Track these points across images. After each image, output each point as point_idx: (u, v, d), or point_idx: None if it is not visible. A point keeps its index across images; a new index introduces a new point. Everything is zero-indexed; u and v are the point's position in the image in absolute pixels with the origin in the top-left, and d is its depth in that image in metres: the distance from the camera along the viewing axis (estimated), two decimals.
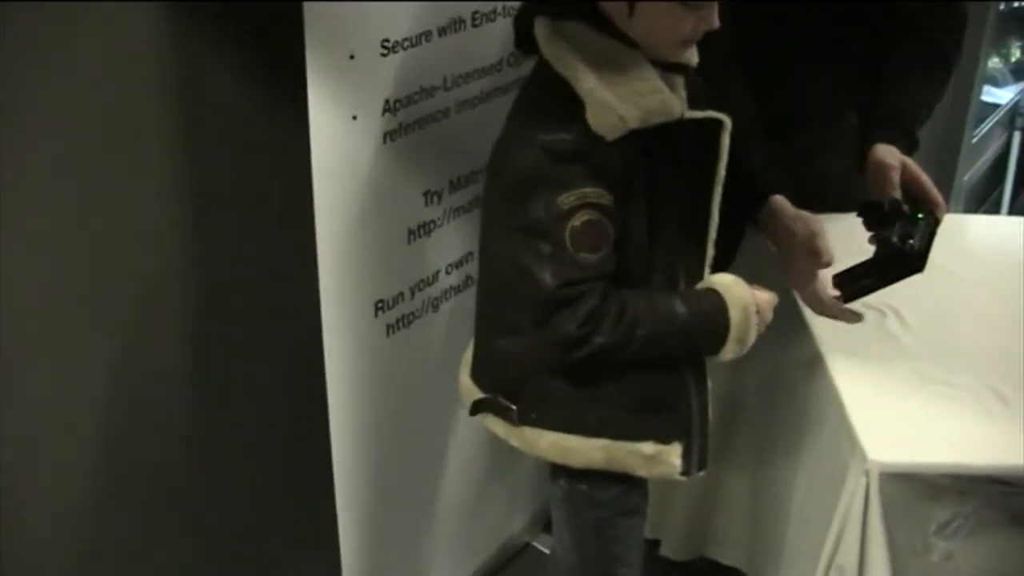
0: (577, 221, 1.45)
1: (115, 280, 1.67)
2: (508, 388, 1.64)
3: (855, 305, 1.77)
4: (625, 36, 1.49)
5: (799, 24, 2.00)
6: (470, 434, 2.19)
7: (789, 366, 1.91)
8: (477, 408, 1.70)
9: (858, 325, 1.82)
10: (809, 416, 1.82)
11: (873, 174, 1.85)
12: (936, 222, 1.68)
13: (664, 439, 1.61)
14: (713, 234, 1.64)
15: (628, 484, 1.67)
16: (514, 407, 1.62)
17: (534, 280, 1.47)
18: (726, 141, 1.57)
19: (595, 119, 1.45)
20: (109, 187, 1.62)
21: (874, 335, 1.85)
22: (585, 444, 1.60)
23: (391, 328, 1.87)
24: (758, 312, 1.59)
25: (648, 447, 1.60)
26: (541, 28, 1.51)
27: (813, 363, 1.80)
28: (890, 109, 1.97)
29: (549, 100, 1.50)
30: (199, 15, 1.64)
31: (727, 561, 2.25)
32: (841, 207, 1.92)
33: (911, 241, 1.63)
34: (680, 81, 1.57)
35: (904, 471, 1.55)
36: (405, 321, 1.90)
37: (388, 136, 1.71)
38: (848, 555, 1.58)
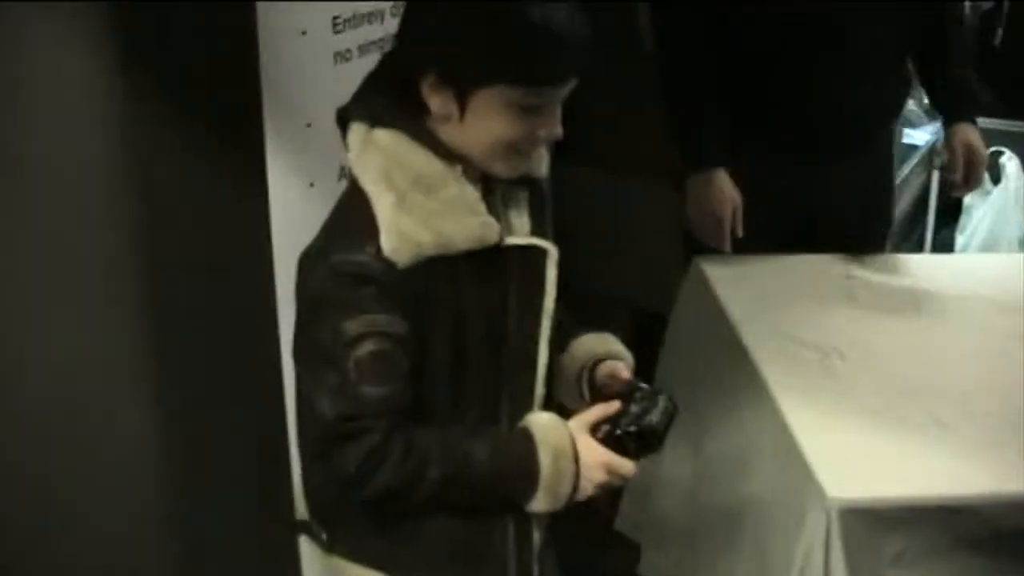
0: (363, 351, 1.30)
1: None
2: (322, 513, 1.53)
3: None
4: (445, 149, 1.34)
5: None
6: None
7: (737, 404, 1.94)
8: (295, 529, 1.60)
9: (802, 365, 1.89)
10: (762, 454, 1.84)
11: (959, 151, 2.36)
12: (675, 406, 1.49)
13: None
14: (543, 372, 1.47)
15: None
16: (324, 535, 1.52)
17: (315, 410, 1.34)
18: (552, 272, 1.43)
19: (388, 244, 1.30)
20: (66, 261, 1.63)
21: (818, 374, 1.91)
22: None
23: None
24: (578, 461, 1.39)
25: None
26: (355, 136, 1.37)
27: (761, 399, 1.84)
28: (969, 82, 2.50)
29: (349, 216, 1.36)
30: (155, 87, 1.66)
31: None
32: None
33: (649, 418, 1.44)
34: (522, 196, 1.45)
35: (862, 506, 1.58)
36: None
37: None
38: None
